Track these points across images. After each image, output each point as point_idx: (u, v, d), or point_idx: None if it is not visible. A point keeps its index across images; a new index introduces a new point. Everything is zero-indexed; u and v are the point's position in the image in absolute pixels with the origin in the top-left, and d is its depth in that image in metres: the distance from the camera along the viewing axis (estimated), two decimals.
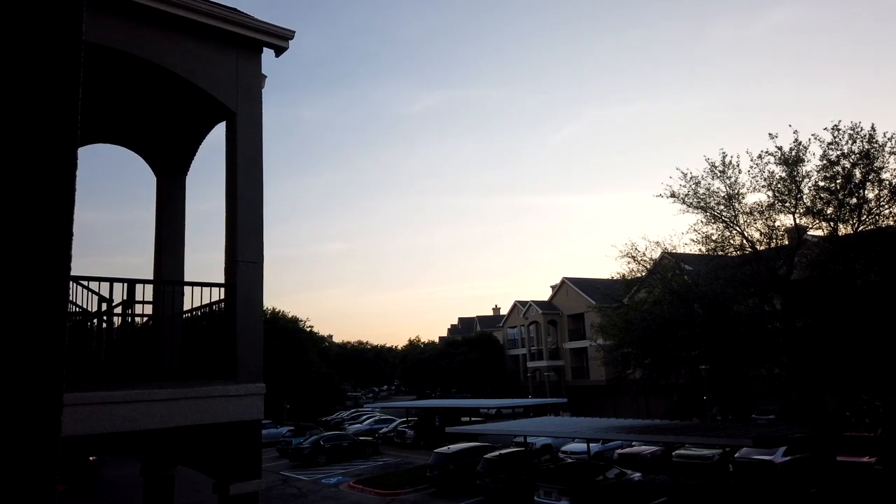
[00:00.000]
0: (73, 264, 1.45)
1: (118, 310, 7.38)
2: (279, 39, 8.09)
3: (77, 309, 7.51)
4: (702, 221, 22.79)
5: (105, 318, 7.14)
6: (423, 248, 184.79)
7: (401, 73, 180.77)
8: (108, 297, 6.97)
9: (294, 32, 8.14)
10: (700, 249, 23.30)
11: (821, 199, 20.74)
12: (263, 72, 8.23)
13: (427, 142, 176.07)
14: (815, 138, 20.61)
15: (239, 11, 7.86)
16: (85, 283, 7.28)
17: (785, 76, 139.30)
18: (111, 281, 6.95)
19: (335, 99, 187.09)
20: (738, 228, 22.18)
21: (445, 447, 29.19)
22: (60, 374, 1.35)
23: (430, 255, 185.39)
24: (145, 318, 8.63)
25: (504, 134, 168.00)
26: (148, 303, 8.33)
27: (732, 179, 21.92)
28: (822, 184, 20.62)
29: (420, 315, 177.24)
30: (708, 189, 22.30)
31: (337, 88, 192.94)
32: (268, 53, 8.23)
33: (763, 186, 21.53)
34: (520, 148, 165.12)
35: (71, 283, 7.24)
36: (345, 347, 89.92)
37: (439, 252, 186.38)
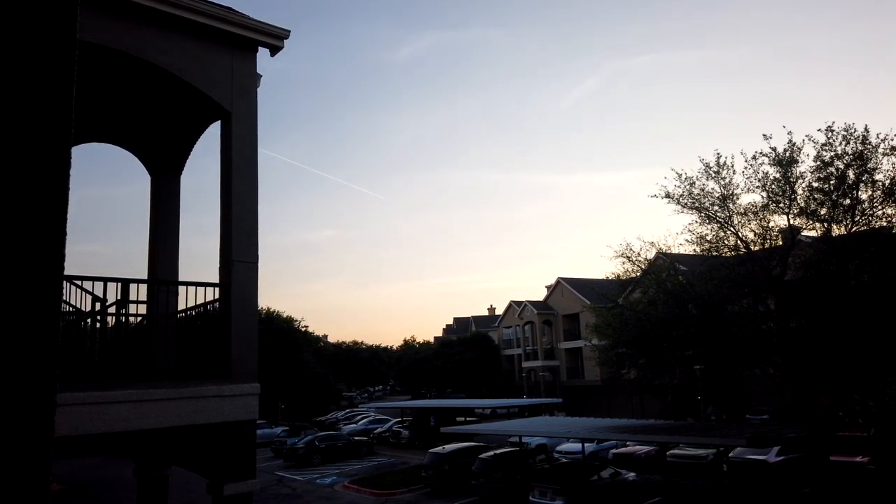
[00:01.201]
0: (66, 263, 1.44)
1: (112, 309, 7.35)
2: (275, 39, 8.08)
3: (71, 308, 7.48)
4: (696, 222, 22.88)
5: (99, 317, 7.12)
6: (419, 237, 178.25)
7: (383, 8, 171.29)
8: (102, 296, 6.94)
9: (289, 32, 8.13)
10: (695, 250, 23.37)
11: (814, 199, 20.83)
12: (258, 71, 8.22)
13: (416, 100, 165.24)
14: (809, 139, 20.73)
15: (234, 11, 7.84)
16: (79, 282, 7.25)
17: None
18: (105, 280, 6.92)
19: (307, 45, 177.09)
20: (732, 229, 22.26)
21: (440, 447, 29.18)
22: (54, 374, 1.34)
23: (426, 243, 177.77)
24: (139, 318, 8.60)
25: (509, 91, 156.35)
26: (142, 302, 8.31)
27: (727, 180, 22.02)
28: (815, 185, 20.71)
29: (416, 314, 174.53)
30: (702, 190, 22.38)
31: (307, 27, 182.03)
32: (263, 53, 8.22)
33: (757, 187, 21.63)
34: (526, 109, 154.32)
35: (64, 282, 7.21)
36: (340, 347, 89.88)
37: (435, 241, 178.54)
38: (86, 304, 7.35)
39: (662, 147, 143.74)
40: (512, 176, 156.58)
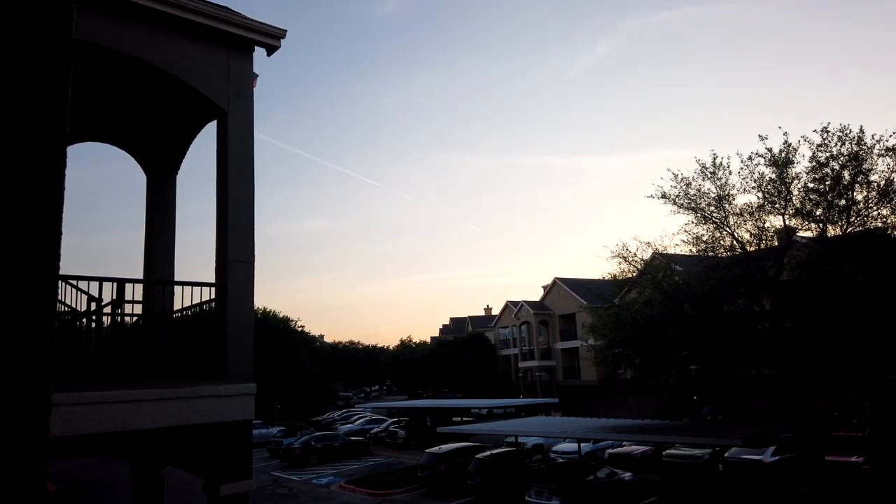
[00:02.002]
0: (61, 263, 1.44)
1: (108, 309, 7.34)
2: (271, 38, 8.07)
3: (66, 308, 7.46)
4: (692, 222, 22.93)
5: (94, 317, 7.10)
6: (417, 226, 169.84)
7: None
8: (97, 296, 6.92)
9: (286, 31, 8.12)
10: (691, 250, 23.42)
11: (810, 200, 20.89)
12: (255, 70, 8.21)
13: (402, 63, 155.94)
14: (805, 140, 20.79)
15: (231, 10, 7.83)
16: (74, 282, 7.23)
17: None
18: (101, 280, 6.91)
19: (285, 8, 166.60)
20: (728, 229, 22.31)
21: (437, 447, 29.18)
22: (49, 374, 1.34)
23: (424, 233, 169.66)
24: (135, 318, 8.59)
25: (511, 57, 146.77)
26: (138, 302, 8.29)
27: (723, 181, 22.08)
28: (811, 185, 20.78)
29: (412, 313, 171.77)
30: (699, 190, 22.44)
31: None
32: (259, 52, 8.21)
33: (753, 188, 21.70)
34: (532, 78, 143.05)
35: (59, 282, 7.19)
36: (336, 347, 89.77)
37: (433, 230, 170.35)
38: (81, 304, 7.34)
39: (690, 122, 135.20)
40: (516, 157, 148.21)
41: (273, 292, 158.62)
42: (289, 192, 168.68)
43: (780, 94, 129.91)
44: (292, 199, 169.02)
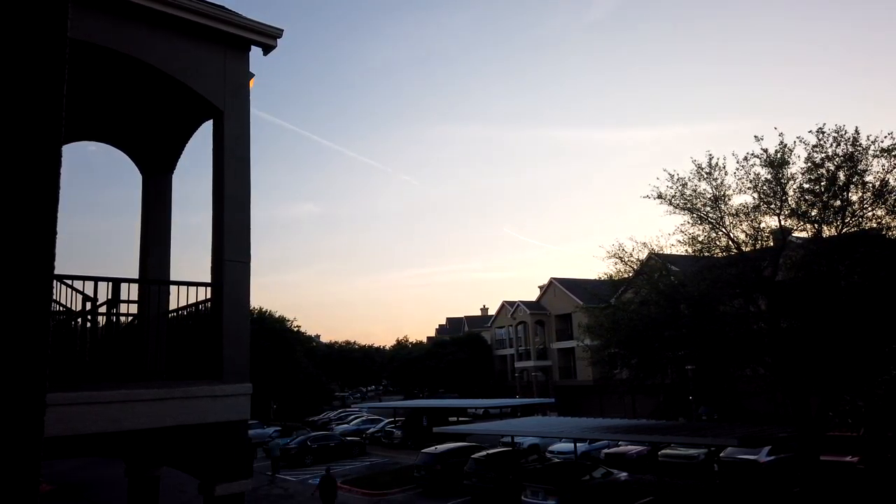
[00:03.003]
0: (56, 263, 1.43)
1: (103, 309, 7.31)
2: (267, 38, 8.06)
3: (61, 308, 7.44)
4: (688, 223, 22.96)
5: (89, 317, 7.08)
6: (414, 211, 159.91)
7: None
8: (92, 296, 6.90)
9: (282, 31, 8.11)
10: (686, 250, 23.46)
11: (805, 201, 20.94)
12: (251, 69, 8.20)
13: (396, 21, 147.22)
14: (800, 141, 20.84)
15: (227, 9, 7.82)
16: (69, 282, 7.20)
17: None
18: (96, 280, 6.88)
19: None
20: (724, 230, 22.36)
21: (433, 447, 29.18)
22: (44, 374, 1.34)
23: (422, 217, 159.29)
24: (131, 318, 8.56)
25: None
26: (133, 302, 8.26)
27: (718, 181, 22.11)
28: (806, 186, 20.83)
29: (409, 311, 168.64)
30: (694, 191, 22.47)
31: None
32: (255, 52, 8.20)
33: (749, 188, 21.73)
34: (541, 27, 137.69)
35: (54, 281, 7.18)
36: (332, 347, 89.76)
37: (432, 215, 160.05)
38: (76, 304, 7.31)
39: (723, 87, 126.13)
40: (523, 131, 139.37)
41: (257, 286, 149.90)
42: (267, 168, 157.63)
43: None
44: (278, 179, 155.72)
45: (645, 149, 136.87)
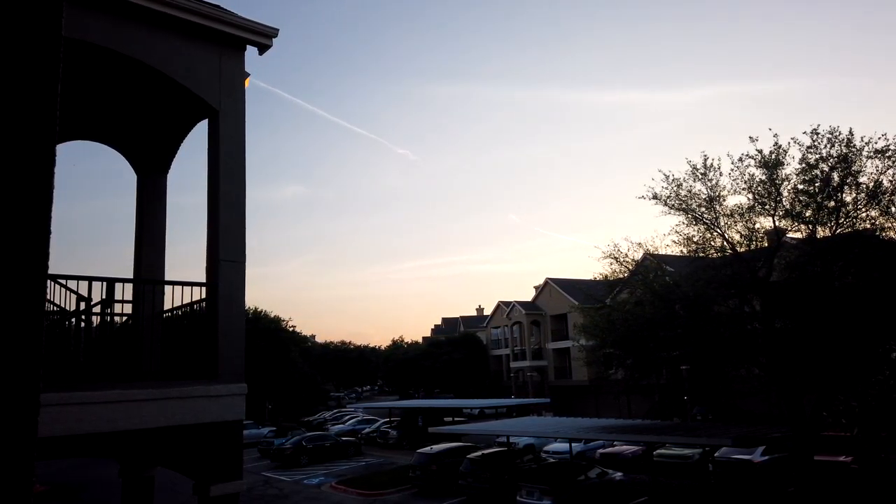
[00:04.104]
0: (50, 262, 1.43)
1: (97, 309, 7.29)
2: (263, 37, 8.04)
3: (55, 308, 7.41)
4: (683, 223, 23.02)
5: (84, 317, 7.05)
6: (411, 192, 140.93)
7: None
8: (86, 295, 6.88)
9: (278, 30, 8.10)
10: (681, 251, 23.52)
11: (800, 201, 21.02)
12: (246, 69, 8.18)
13: None
14: (795, 142, 20.93)
15: (222, 9, 7.80)
16: (63, 281, 7.18)
17: None
18: (90, 280, 6.86)
19: None
20: (718, 230, 22.42)
21: (428, 447, 29.17)
22: (37, 374, 1.33)
23: (421, 198, 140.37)
24: (125, 318, 8.53)
25: None
26: (128, 302, 8.24)
27: (713, 182, 22.18)
28: (801, 187, 20.91)
29: (405, 308, 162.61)
30: (689, 191, 22.54)
31: None
32: (251, 51, 8.18)
33: (743, 189, 21.80)
34: None
35: (48, 281, 7.14)
36: (328, 347, 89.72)
37: (432, 195, 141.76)
38: (70, 304, 7.28)
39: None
40: (535, 91, 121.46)
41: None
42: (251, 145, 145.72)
43: None
44: (260, 157, 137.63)
45: (676, 113, 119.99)
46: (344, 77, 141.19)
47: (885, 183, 20.05)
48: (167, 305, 8.28)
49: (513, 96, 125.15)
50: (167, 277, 9.94)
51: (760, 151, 21.22)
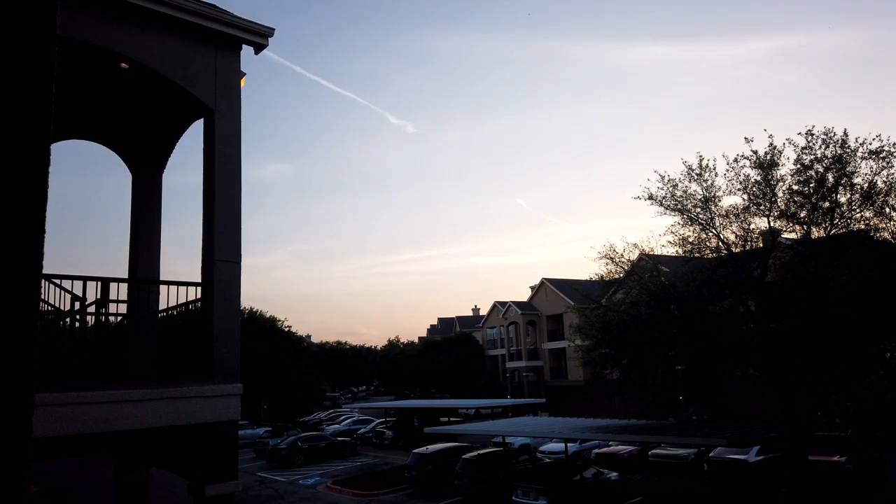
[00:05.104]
0: (44, 262, 1.42)
1: (92, 309, 7.27)
2: (259, 37, 8.03)
3: (49, 308, 7.38)
4: (679, 224, 23.09)
5: (78, 317, 7.03)
6: (407, 175, 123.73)
7: None
8: (81, 295, 6.85)
9: (274, 30, 8.09)
10: (677, 251, 23.58)
11: (794, 202, 21.10)
12: (242, 69, 8.16)
13: None
14: (790, 143, 21.01)
15: (218, 8, 7.78)
16: (57, 281, 7.15)
17: None
18: (84, 279, 6.84)
19: None
20: (714, 231, 22.49)
21: (424, 447, 29.16)
22: (32, 374, 1.33)
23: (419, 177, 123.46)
24: (120, 318, 8.51)
25: None
26: (122, 302, 8.21)
27: (709, 182, 22.24)
28: (795, 188, 20.99)
29: (402, 308, 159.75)
30: (685, 192, 22.59)
31: None
32: (247, 50, 8.17)
33: (739, 190, 21.87)
34: None
35: (43, 281, 7.12)
36: (323, 347, 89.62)
37: (434, 173, 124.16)
38: (65, 304, 7.26)
39: None
40: (546, 43, 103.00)
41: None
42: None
43: None
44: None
45: (721, 73, 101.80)
46: (329, 30, 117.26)
47: (880, 184, 20.15)
48: (162, 305, 8.26)
49: (524, 51, 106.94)
50: (162, 277, 9.92)
51: (755, 152, 21.31)
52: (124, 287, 8.44)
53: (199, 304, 7.46)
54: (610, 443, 30.13)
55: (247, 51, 8.15)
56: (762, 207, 21.56)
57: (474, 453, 26.63)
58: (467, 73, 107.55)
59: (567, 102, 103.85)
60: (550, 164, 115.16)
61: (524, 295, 68.19)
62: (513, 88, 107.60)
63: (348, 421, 51.17)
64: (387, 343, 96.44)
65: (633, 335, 23.04)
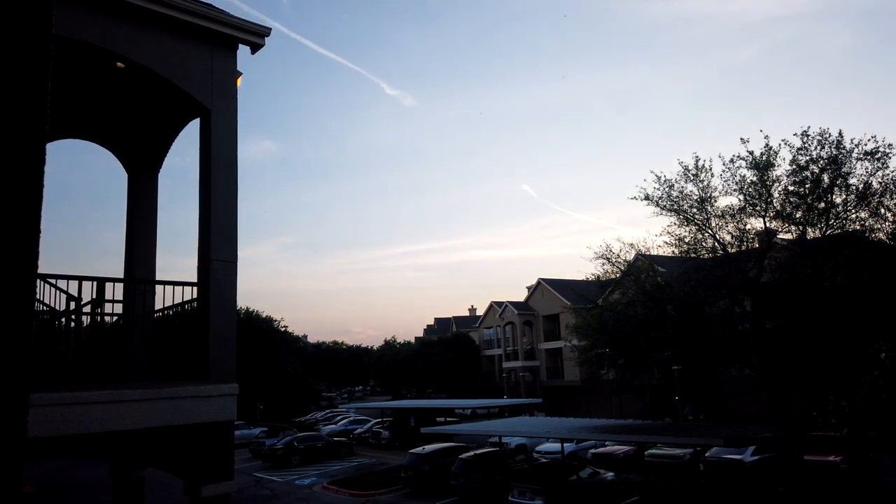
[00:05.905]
0: (39, 262, 1.42)
1: (87, 309, 7.24)
2: (255, 36, 8.02)
3: (45, 308, 7.35)
4: (675, 224, 23.13)
5: (74, 317, 7.00)
6: (404, 154, 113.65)
7: None
8: (77, 295, 6.83)
9: (270, 30, 8.08)
10: (673, 251, 23.62)
11: (790, 203, 21.16)
12: (238, 68, 8.15)
13: None
14: (786, 143, 21.07)
15: (214, 7, 7.77)
16: (53, 280, 7.13)
17: None
18: (80, 279, 6.81)
19: None
20: (710, 231, 22.53)
21: (420, 447, 29.17)
22: (27, 374, 1.32)
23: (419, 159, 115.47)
24: (115, 318, 8.48)
25: None
26: (118, 302, 8.18)
27: (705, 183, 22.30)
28: (791, 188, 21.05)
29: (400, 308, 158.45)
30: (681, 192, 22.64)
31: None
32: (243, 50, 8.16)
33: (735, 190, 21.94)
34: None
35: (38, 281, 7.09)
36: (320, 347, 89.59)
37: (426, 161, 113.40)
38: (60, 304, 7.23)
39: None
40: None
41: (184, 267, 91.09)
42: None
43: None
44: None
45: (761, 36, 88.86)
46: None
47: (875, 184, 20.23)
48: (158, 305, 8.24)
49: (535, 3, 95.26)
50: (158, 277, 9.89)
51: (751, 153, 21.38)
52: (120, 287, 8.42)
53: (195, 304, 7.45)
54: (606, 443, 30.17)
55: (243, 50, 8.14)
56: (758, 208, 21.62)
57: (471, 453, 26.64)
58: (477, 32, 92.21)
59: (594, 67, 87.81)
60: (564, 145, 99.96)
61: (521, 295, 68.29)
62: (527, 50, 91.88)
63: (345, 421, 51.13)
64: (383, 343, 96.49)
65: (629, 335, 23.08)
